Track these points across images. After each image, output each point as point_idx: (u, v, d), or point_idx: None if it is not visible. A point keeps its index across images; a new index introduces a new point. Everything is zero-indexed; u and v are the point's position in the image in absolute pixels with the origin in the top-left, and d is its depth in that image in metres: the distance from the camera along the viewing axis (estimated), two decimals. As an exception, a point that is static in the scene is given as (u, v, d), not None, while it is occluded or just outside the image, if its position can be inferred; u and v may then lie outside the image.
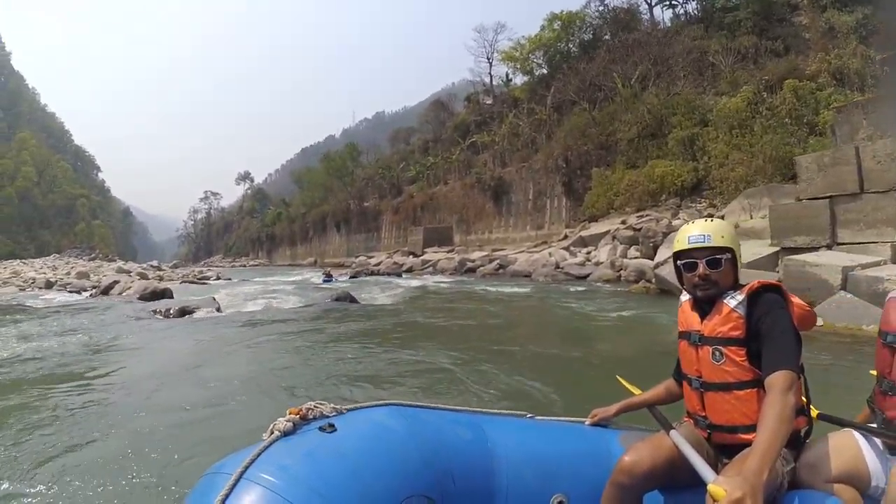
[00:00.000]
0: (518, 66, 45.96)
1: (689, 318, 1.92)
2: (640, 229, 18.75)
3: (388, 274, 29.74)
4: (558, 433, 1.96)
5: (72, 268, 39.34)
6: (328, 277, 26.95)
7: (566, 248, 22.40)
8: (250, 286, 23.22)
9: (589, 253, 20.61)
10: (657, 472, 1.77)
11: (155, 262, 53.45)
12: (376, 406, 1.73)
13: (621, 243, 19.09)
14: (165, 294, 16.58)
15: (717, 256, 1.85)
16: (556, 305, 12.37)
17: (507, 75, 49.11)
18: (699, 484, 1.44)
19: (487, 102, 50.62)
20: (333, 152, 74.98)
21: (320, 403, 1.59)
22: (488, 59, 50.38)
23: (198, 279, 30.66)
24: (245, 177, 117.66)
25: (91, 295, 19.65)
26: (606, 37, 39.49)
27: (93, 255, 68.44)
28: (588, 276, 17.91)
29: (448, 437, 1.70)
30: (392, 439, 1.57)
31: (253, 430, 4.03)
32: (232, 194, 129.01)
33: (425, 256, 34.84)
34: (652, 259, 15.83)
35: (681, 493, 1.79)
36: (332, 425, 1.50)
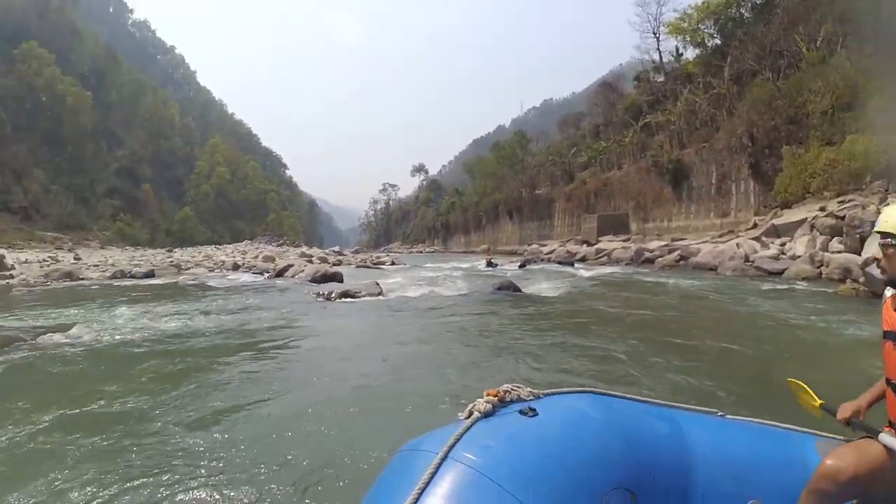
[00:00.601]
0: (688, 38, 43.04)
1: (893, 316, 1.79)
2: (842, 217, 16.49)
3: (560, 262, 29.60)
4: (752, 435, 1.90)
5: (260, 252, 42.88)
6: (490, 265, 27.31)
7: (756, 239, 20.81)
8: (420, 271, 24.11)
9: (783, 245, 18.97)
10: (860, 480, 1.67)
11: (337, 248, 57.61)
12: (573, 392, 1.72)
13: (821, 234, 17.22)
14: (335, 277, 16.74)
15: (888, 240, 1.77)
16: (744, 304, 11.56)
17: (676, 49, 46.10)
18: None
19: (658, 80, 47.94)
20: (503, 141, 76.02)
21: (517, 386, 1.58)
22: (654, 33, 47.46)
23: (373, 264, 31.81)
24: (419, 169, 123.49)
25: (268, 277, 20.76)
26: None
27: (281, 242, 75.01)
28: (783, 271, 16.47)
29: (645, 430, 1.66)
30: (592, 428, 1.55)
31: (428, 410, 4.43)
32: (408, 186, 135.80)
33: (599, 245, 34.18)
34: (859, 254, 14.28)
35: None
36: (532, 409, 1.50)
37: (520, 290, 13.29)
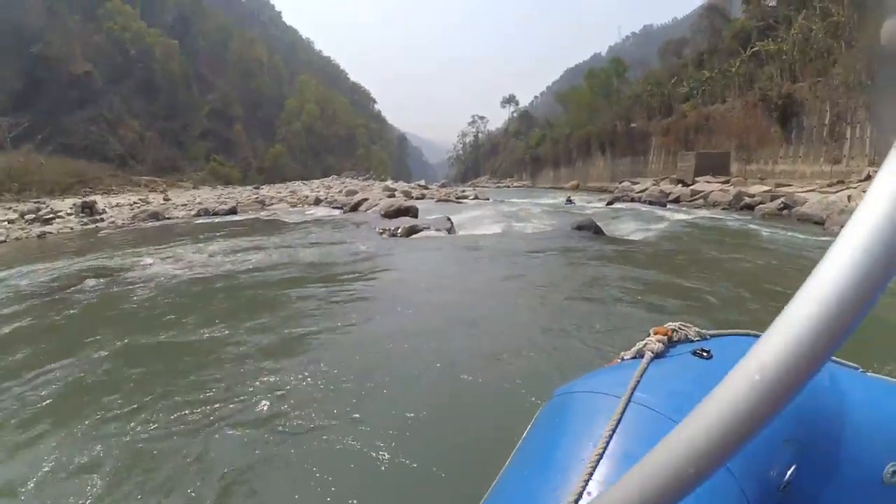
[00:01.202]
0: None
1: None
2: None
3: (651, 203, 28.50)
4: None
5: (344, 187, 43.78)
6: (569, 201, 27.20)
7: (871, 192, 19.23)
8: (501, 206, 23.56)
9: (900, 200, 17.46)
10: None
11: (422, 182, 57.90)
12: (742, 335, 1.62)
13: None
14: (409, 212, 16.55)
15: None
16: None
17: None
18: None
19: (770, 4, 43.98)
20: (597, 69, 72.69)
21: (685, 325, 1.50)
22: (770, -51, 43.26)
23: (456, 198, 31.67)
24: (510, 100, 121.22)
25: (343, 211, 21.03)
26: None
27: (367, 176, 76.48)
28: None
29: (812, 382, 1.75)
30: None
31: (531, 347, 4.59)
32: (498, 118, 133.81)
33: (696, 186, 32.59)
34: None
35: None
36: (706, 350, 1.43)
37: (601, 232, 12.64)
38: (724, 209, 24.83)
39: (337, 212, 21.45)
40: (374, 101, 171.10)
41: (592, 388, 1.27)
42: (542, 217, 17.64)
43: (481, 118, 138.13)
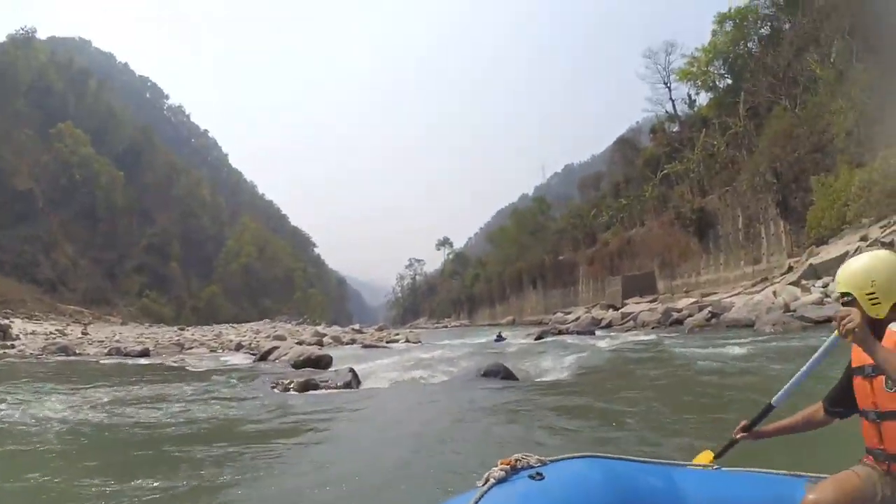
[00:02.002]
0: (699, 83, 41.29)
1: (861, 353, 1.94)
2: (891, 243, 14.06)
3: (579, 332, 26.66)
4: (744, 483, 1.97)
5: (274, 331, 41.32)
6: (499, 338, 25.86)
7: (795, 284, 17.71)
8: (422, 352, 21.64)
9: (826, 286, 15.91)
10: None
11: (356, 326, 55.48)
12: (577, 458, 1.80)
13: (869, 266, 14.32)
14: (320, 362, 14.99)
15: (843, 299, 2.00)
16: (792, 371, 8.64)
17: (689, 96, 44.55)
18: None
19: (674, 130, 46.24)
20: (522, 209, 74.60)
21: (527, 455, 1.70)
22: (665, 83, 46.01)
23: (387, 342, 30.52)
24: (444, 242, 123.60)
25: (254, 360, 19.67)
26: (787, 26, 33.60)
27: (301, 320, 73.43)
28: (832, 319, 13.39)
29: (643, 490, 1.73)
30: (594, 490, 1.64)
31: None
32: (434, 260, 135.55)
33: (625, 309, 31.38)
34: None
35: None
36: (540, 474, 1.61)
37: (511, 377, 10.97)
38: (653, 328, 23.38)
39: (251, 359, 20.26)
40: (314, 245, 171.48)
41: None
42: (460, 361, 16.10)
43: (418, 261, 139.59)
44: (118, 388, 11.23)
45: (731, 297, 22.09)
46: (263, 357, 19.16)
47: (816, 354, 2.14)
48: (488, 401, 8.79)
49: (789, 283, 18.16)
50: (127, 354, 21.90)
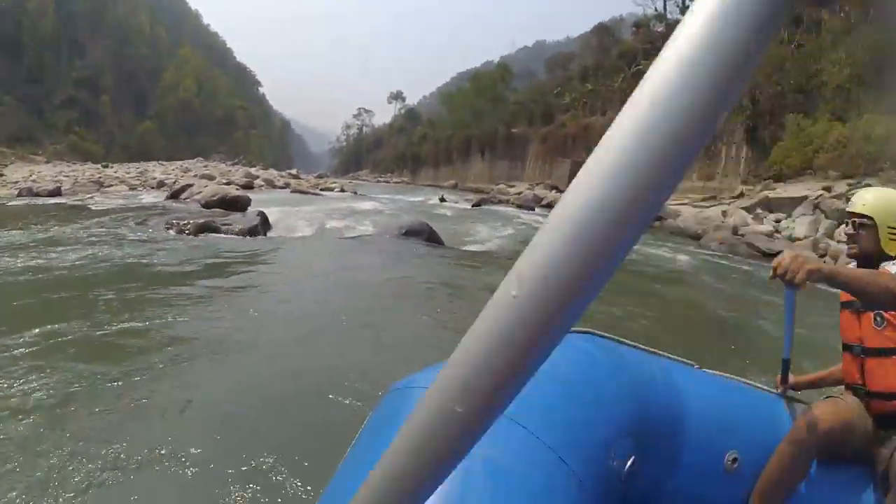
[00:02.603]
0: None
1: None
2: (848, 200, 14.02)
3: (519, 206, 26.68)
4: (729, 390, 1.97)
5: (205, 170, 39.90)
6: (443, 200, 26.42)
7: (747, 210, 18.16)
8: (357, 203, 21.63)
9: (778, 222, 16.37)
10: (835, 436, 1.79)
11: (294, 171, 54.13)
12: (577, 332, 1.70)
13: (827, 217, 14.65)
14: (237, 203, 14.12)
15: (856, 220, 1.97)
16: (737, 296, 8.95)
17: (682, 1, 42.72)
18: (869, 458, 1.65)
19: (659, 30, 44.60)
20: (484, 73, 71.95)
21: None
22: (659, -25, 43.95)
23: (321, 189, 30.52)
24: (397, 96, 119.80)
25: (165, 198, 19.20)
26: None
27: (235, 161, 71.03)
28: (779, 253, 13.79)
29: (644, 379, 1.70)
30: (599, 371, 1.58)
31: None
32: (384, 113, 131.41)
33: (569, 193, 31.54)
34: (871, 246, 11.59)
35: (851, 465, 1.84)
36: None
37: (436, 240, 10.18)
38: None
39: (163, 198, 19.62)
40: (259, 84, 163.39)
41: (413, 384, 1.37)
42: (389, 217, 15.41)
43: (367, 111, 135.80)
44: (7, 230, 10.47)
45: (678, 205, 22.47)
46: (175, 195, 18.54)
47: (786, 316, 2.04)
48: (403, 262, 8.28)
49: (741, 208, 18.55)
50: (37, 194, 21.14)
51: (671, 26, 41.66)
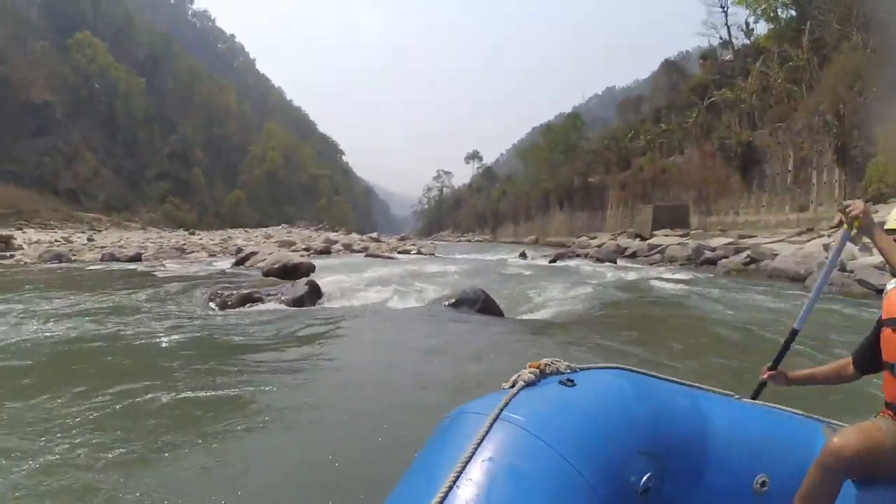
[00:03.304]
0: (759, 11, 37.85)
1: (892, 305, 1.94)
2: None
3: (599, 259, 25.07)
4: (764, 417, 2.00)
5: (289, 236, 42.04)
6: (523, 256, 26.33)
7: (853, 241, 16.37)
8: (428, 265, 20.94)
9: (891, 251, 14.55)
10: (862, 458, 1.78)
11: (374, 234, 55.33)
12: (608, 368, 1.83)
13: (943, 237, 12.85)
14: (298, 270, 13.80)
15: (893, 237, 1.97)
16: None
17: (746, 24, 41.19)
18: None
19: (727, 59, 43.19)
20: (555, 124, 72.10)
21: (556, 360, 1.70)
22: (722, 6, 42.68)
23: (398, 252, 30.48)
24: (474, 156, 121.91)
25: (232, 265, 19.50)
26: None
27: (318, 226, 73.14)
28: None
29: (670, 405, 1.76)
30: (624, 399, 1.66)
31: None
32: (464, 174, 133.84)
33: (654, 240, 30.07)
34: None
35: (885, 486, 1.84)
36: (571, 380, 1.62)
37: (492, 310, 9.01)
38: (682, 265, 21.68)
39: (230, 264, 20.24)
40: (342, 153, 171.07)
41: (471, 410, 1.52)
42: (453, 282, 14.90)
43: (447, 173, 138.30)
44: (65, 295, 10.62)
45: (773, 242, 20.74)
46: (241, 262, 18.73)
47: (830, 256, 2.17)
48: (438, 336, 7.37)
49: (843, 239, 16.75)
50: (117, 259, 21.70)
51: (739, 53, 40.69)
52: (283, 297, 9.41)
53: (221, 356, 6.17)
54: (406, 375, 5.57)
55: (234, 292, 9.51)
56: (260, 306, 9.11)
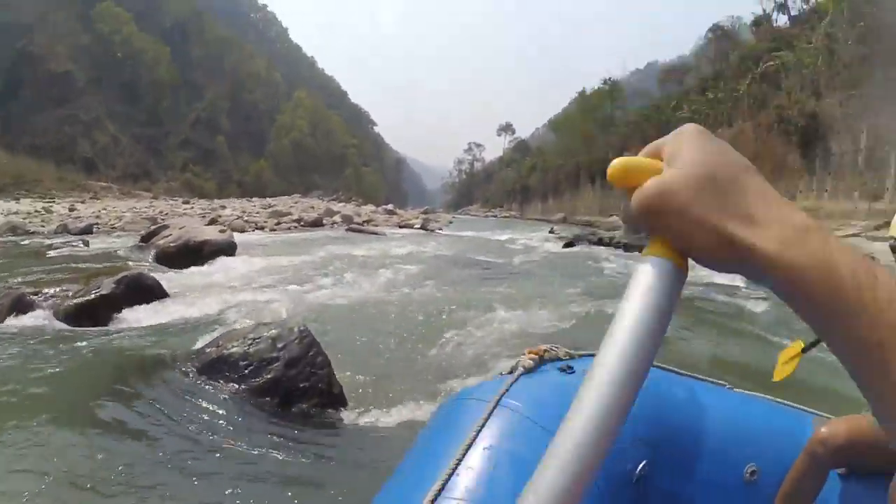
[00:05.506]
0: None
1: None
2: None
3: (625, 247, 19.02)
4: (755, 406, 1.99)
5: (296, 205, 41.59)
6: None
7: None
8: (404, 246, 17.75)
9: None
10: (849, 450, 1.81)
11: (390, 206, 52.82)
12: None
13: None
14: (202, 251, 10.89)
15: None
16: None
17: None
18: (891, 471, 1.57)
19: (783, 24, 38.48)
20: (591, 93, 67.21)
21: (556, 347, 1.70)
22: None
23: (398, 226, 30.62)
24: (506, 128, 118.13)
25: (139, 241, 16.65)
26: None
27: (333, 197, 70.97)
28: None
29: (665, 393, 1.79)
30: None
31: None
32: (497, 147, 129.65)
33: (693, 225, 26.44)
34: None
35: (870, 478, 1.87)
36: (570, 367, 1.62)
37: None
38: None
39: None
40: (374, 123, 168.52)
41: (472, 395, 1.51)
42: (409, 272, 11.72)
43: (478, 146, 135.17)
44: None
45: (841, 237, 16.80)
46: (147, 238, 15.22)
47: None
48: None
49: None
50: (69, 232, 21.06)
51: (797, 19, 35.93)
52: (64, 305, 5.95)
53: None
54: None
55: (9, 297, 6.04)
56: (24, 319, 5.77)
